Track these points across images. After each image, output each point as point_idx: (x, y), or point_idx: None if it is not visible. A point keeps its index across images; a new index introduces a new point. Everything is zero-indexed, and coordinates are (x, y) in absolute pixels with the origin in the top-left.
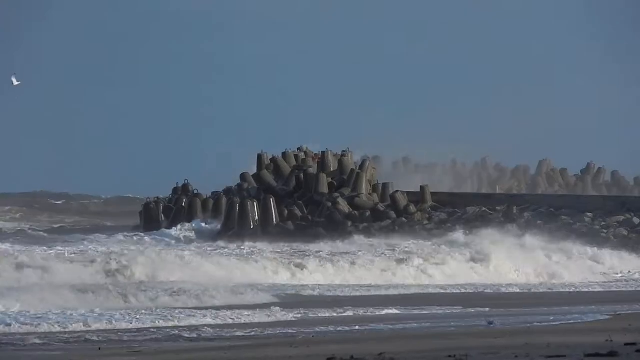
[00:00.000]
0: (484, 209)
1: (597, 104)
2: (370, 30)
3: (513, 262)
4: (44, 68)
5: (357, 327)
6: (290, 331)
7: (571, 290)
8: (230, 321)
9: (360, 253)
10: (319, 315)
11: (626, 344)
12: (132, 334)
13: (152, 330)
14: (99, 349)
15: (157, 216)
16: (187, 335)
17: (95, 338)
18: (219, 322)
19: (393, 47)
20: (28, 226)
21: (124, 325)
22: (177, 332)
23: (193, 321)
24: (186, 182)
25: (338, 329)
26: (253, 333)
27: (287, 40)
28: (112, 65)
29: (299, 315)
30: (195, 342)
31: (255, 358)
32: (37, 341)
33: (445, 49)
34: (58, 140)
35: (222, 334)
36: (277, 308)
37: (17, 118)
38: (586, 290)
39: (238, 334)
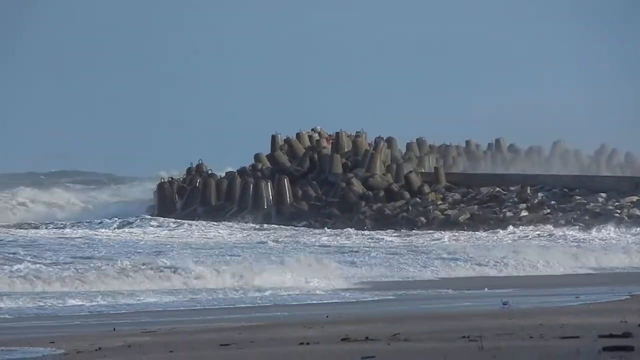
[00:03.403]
0: (497, 189)
1: (611, 85)
2: (384, 10)
3: None
4: (53, 48)
5: (370, 308)
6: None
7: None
8: None
9: None
10: None
11: None
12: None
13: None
14: (114, 329)
15: (171, 196)
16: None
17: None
18: None
19: (406, 27)
20: None
21: None
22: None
23: None
24: (200, 162)
25: (351, 309)
26: (269, 314)
27: (301, 21)
28: (124, 48)
29: None
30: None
31: (270, 338)
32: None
33: (459, 30)
34: (67, 121)
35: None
36: None
37: (23, 99)
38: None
39: (253, 314)
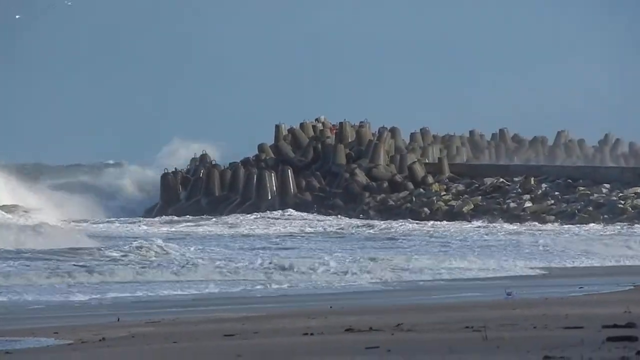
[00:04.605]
0: (501, 180)
1: (615, 75)
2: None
3: None
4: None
5: (373, 299)
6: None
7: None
8: None
9: None
10: None
11: None
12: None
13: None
14: (118, 319)
15: (175, 187)
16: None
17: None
18: None
19: (410, 16)
20: None
21: None
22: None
23: None
24: (204, 152)
25: (354, 300)
26: (272, 305)
27: (305, 11)
28: (128, 36)
29: None
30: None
31: (274, 329)
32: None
33: (462, 20)
34: (66, 110)
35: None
36: None
37: (28, 89)
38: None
39: (255, 305)
